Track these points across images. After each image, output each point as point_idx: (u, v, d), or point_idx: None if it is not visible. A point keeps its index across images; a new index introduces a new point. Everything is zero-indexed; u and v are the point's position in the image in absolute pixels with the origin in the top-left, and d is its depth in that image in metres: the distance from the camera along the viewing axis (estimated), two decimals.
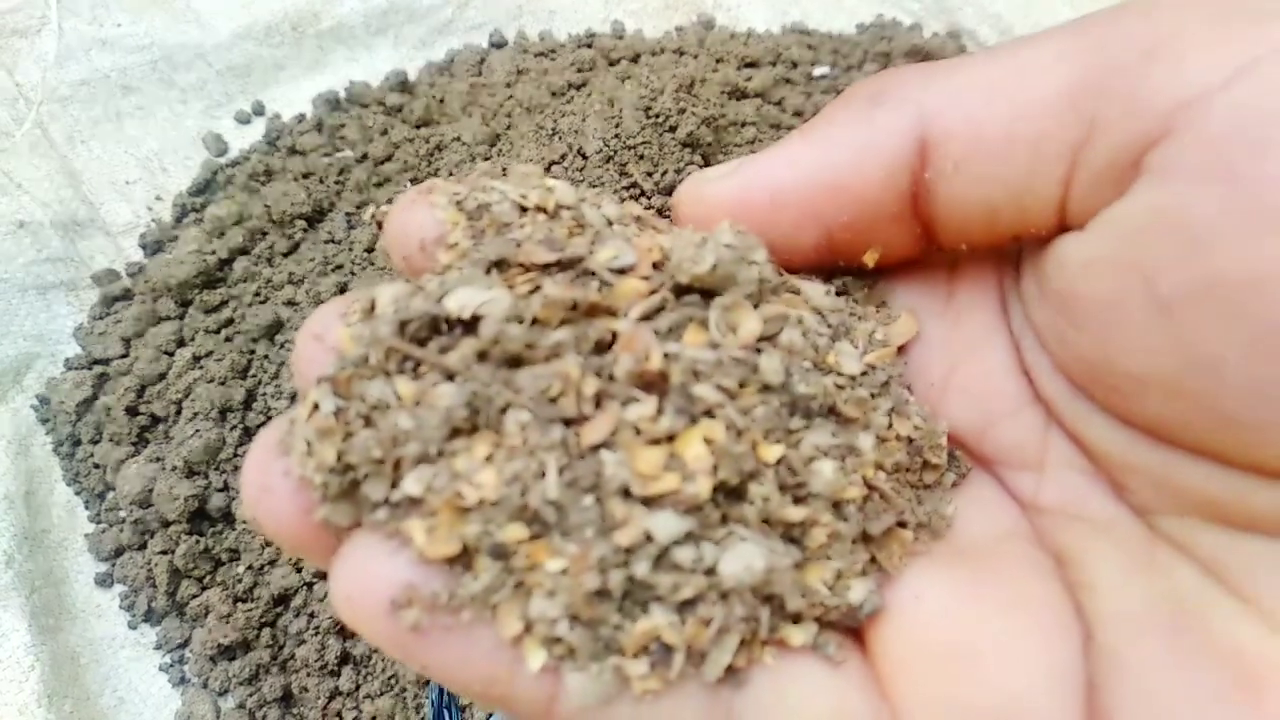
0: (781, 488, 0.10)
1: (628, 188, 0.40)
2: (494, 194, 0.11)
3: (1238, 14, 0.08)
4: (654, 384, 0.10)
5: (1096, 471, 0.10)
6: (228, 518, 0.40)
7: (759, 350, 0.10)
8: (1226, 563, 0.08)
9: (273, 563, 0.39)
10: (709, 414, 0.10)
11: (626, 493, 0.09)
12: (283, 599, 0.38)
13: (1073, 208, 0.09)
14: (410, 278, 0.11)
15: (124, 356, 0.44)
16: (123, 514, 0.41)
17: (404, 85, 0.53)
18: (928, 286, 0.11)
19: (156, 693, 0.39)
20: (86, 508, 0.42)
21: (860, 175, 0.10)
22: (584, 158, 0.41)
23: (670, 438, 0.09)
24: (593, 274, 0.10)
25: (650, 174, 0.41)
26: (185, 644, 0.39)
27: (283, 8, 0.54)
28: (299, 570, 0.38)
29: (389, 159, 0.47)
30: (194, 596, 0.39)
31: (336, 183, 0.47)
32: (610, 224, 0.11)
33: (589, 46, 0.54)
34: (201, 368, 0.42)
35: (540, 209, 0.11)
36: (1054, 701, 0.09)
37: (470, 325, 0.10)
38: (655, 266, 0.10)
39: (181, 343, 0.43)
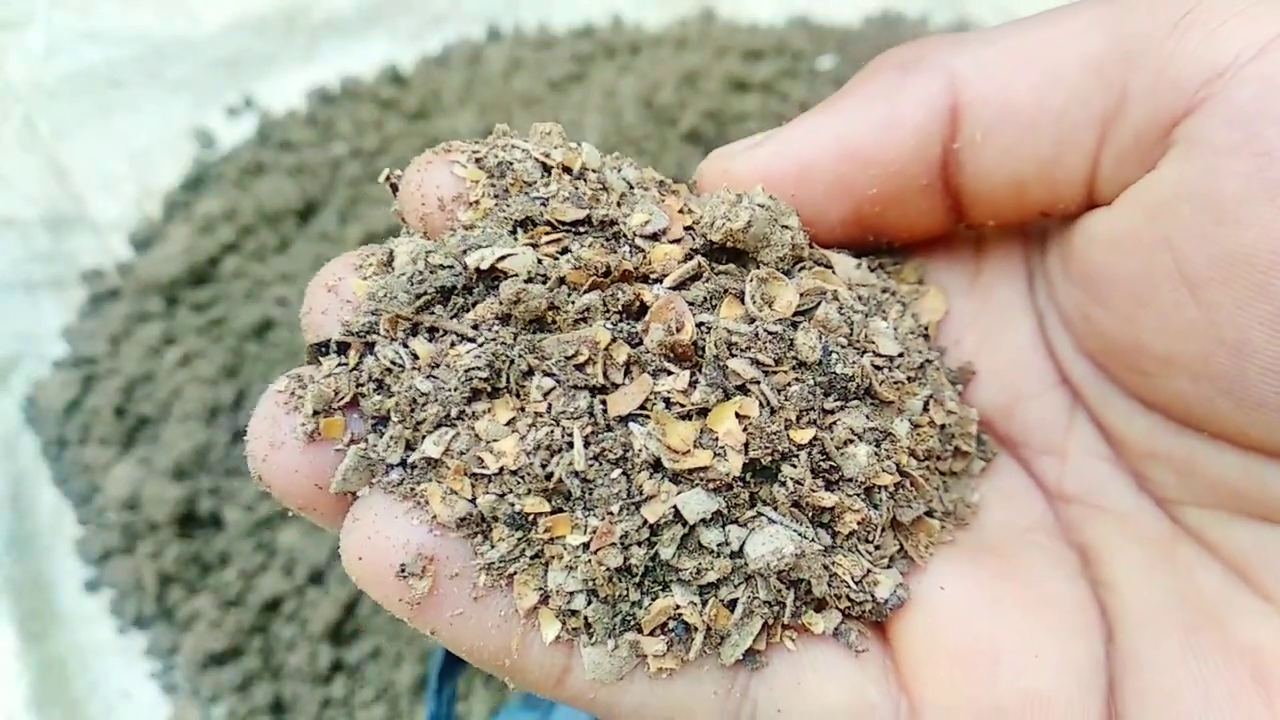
0: (814, 471, 0.09)
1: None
2: (516, 152, 0.11)
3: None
4: (686, 355, 0.09)
5: (1119, 460, 0.10)
6: (217, 521, 0.39)
7: (795, 324, 0.10)
8: (1250, 558, 0.08)
9: (263, 568, 0.38)
10: (743, 390, 0.09)
11: (655, 467, 0.09)
12: (273, 605, 0.38)
13: (1101, 183, 0.09)
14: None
15: (111, 356, 0.43)
16: (111, 517, 0.40)
17: (398, 78, 0.52)
18: (955, 264, 0.11)
19: (146, 700, 0.38)
20: (74, 510, 0.41)
21: (890, 145, 0.10)
22: None
23: (702, 412, 0.09)
24: (623, 237, 0.10)
25: (651, 168, 0.40)
26: (175, 650, 0.39)
27: None
28: (290, 575, 0.38)
29: (382, 153, 0.46)
30: (183, 602, 0.38)
31: (328, 178, 0.46)
32: (631, 188, 0.11)
33: (587, 38, 0.53)
34: (190, 367, 0.41)
35: (565, 168, 0.11)
36: (1074, 702, 0.09)
37: (492, 284, 0.09)
38: (686, 230, 0.10)
39: (170, 342, 0.42)
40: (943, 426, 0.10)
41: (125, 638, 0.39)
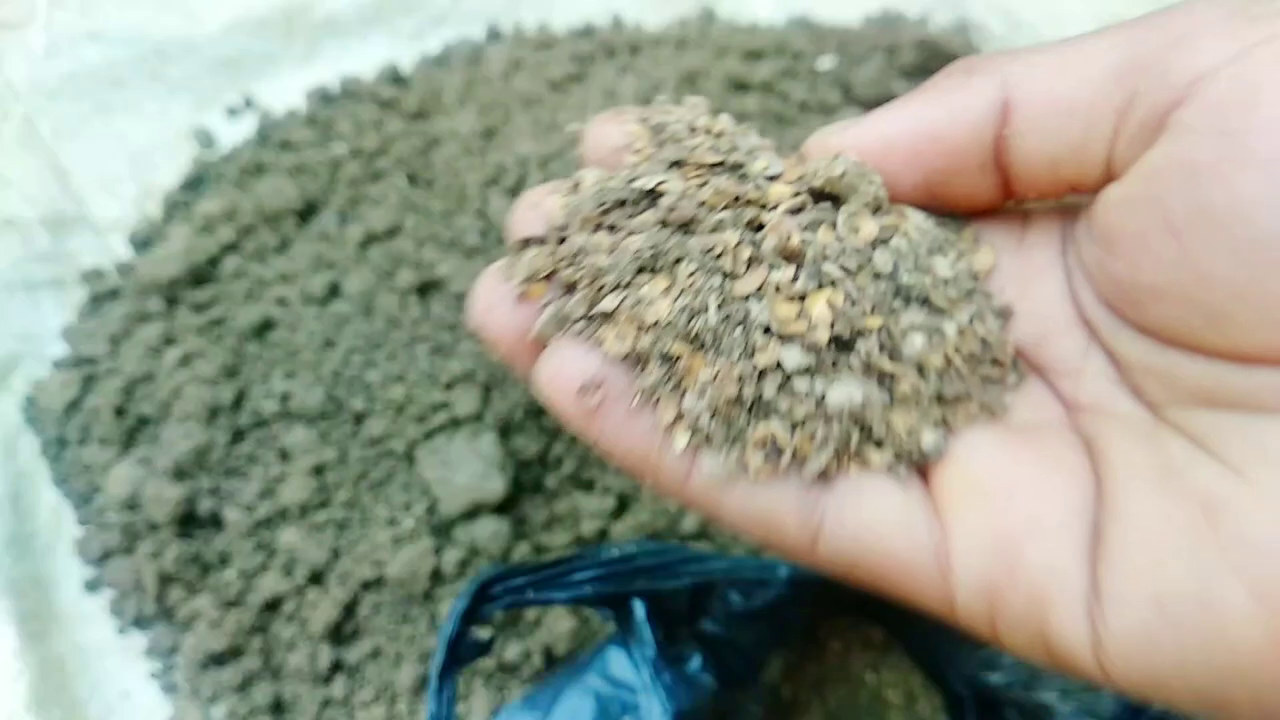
0: (880, 347, 0.13)
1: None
2: (670, 116, 0.15)
3: (1244, 14, 0.11)
4: (792, 258, 0.13)
5: (1121, 378, 0.13)
6: (217, 521, 0.39)
7: (874, 247, 0.14)
8: (1209, 434, 0.11)
9: (263, 568, 0.38)
10: (832, 284, 0.13)
11: (765, 330, 0.13)
12: (273, 605, 0.38)
13: (1115, 161, 0.12)
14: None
15: (111, 356, 0.43)
16: (111, 517, 0.40)
17: (398, 78, 0.52)
18: (1005, 229, 0.14)
19: (146, 700, 0.38)
20: (74, 510, 0.42)
21: (954, 129, 0.13)
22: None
23: (801, 298, 0.13)
24: (748, 177, 0.14)
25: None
26: (175, 650, 0.39)
27: None
28: (290, 575, 0.38)
29: (382, 153, 0.46)
30: (183, 602, 0.38)
31: (328, 178, 0.46)
32: (756, 147, 0.15)
33: (587, 38, 0.53)
34: (190, 368, 0.41)
35: (707, 130, 0.15)
36: (1066, 524, 0.12)
37: (653, 201, 0.14)
38: (797, 180, 0.14)
39: (170, 342, 0.42)
40: (984, 340, 0.14)
41: (125, 638, 0.39)
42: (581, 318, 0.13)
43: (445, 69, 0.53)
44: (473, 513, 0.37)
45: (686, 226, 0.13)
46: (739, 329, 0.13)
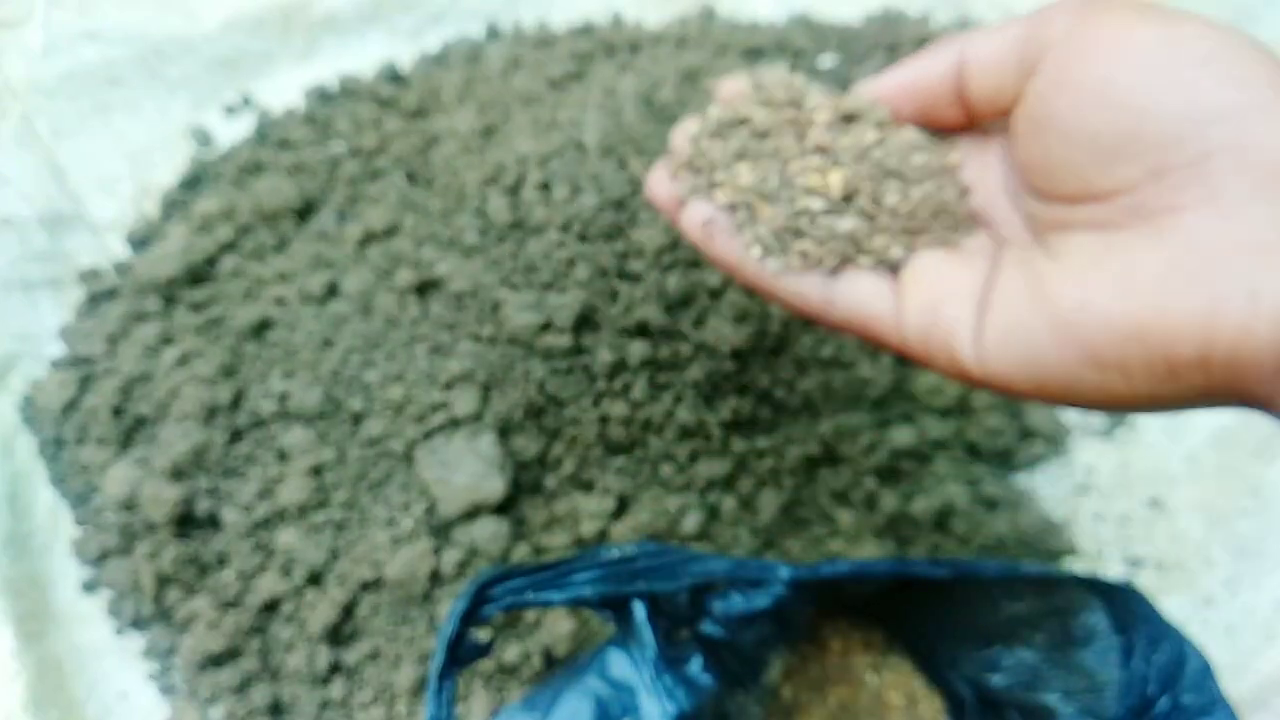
0: (869, 199, 0.21)
1: (628, 181, 0.39)
2: (764, 76, 0.24)
3: (1086, 4, 0.18)
4: (821, 150, 0.22)
5: (1025, 222, 0.20)
6: (215, 522, 0.39)
7: (873, 146, 0.22)
8: (1054, 244, 0.19)
9: (261, 569, 0.38)
10: (842, 165, 0.21)
11: (804, 190, 0.22)
12: (272, 606, 0.38)
13: (1021, 94, 0.19)
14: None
15: (109, 355, 0.43)
16: (109, 517, 0.40)
17: (396, 76, 0.52)
18: (973, 140, 0.22)
19: (144, 701, 0.38)
20: (72, 510, 0.41)
21: (931, 77, 0.21)
22: (582, 150, 0.40)
23: (824, 172, 0.21)
24: (803, 108, 0.23)
25: (651, 167, 0.39)
26: (172, 651, 0.39)
27: None
28: (288, 576, 0.37)
29: (381, 152, 0.46)
30: (181, 603, 0.38)
31: (327, 177, 0.45)
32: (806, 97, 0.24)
33: (587, 36, 0.53)
34: (188, 367, 0.40)
35: (785, 83, 0.23)
36: (967, 295, 0.19)
37: (745, 122, 0.23)
38: (834, 108, 0.23)
39: (168, 341, 0.42)
40: (945, 202, 0.21)
41: (123, 638, 0.39)
42: (704, 185, 0.23)
43: (444, 67, 0.52)
44: (472, 513, 0.37)
45: (763, 135, 0.22)
46: (788, 189, 0.22)
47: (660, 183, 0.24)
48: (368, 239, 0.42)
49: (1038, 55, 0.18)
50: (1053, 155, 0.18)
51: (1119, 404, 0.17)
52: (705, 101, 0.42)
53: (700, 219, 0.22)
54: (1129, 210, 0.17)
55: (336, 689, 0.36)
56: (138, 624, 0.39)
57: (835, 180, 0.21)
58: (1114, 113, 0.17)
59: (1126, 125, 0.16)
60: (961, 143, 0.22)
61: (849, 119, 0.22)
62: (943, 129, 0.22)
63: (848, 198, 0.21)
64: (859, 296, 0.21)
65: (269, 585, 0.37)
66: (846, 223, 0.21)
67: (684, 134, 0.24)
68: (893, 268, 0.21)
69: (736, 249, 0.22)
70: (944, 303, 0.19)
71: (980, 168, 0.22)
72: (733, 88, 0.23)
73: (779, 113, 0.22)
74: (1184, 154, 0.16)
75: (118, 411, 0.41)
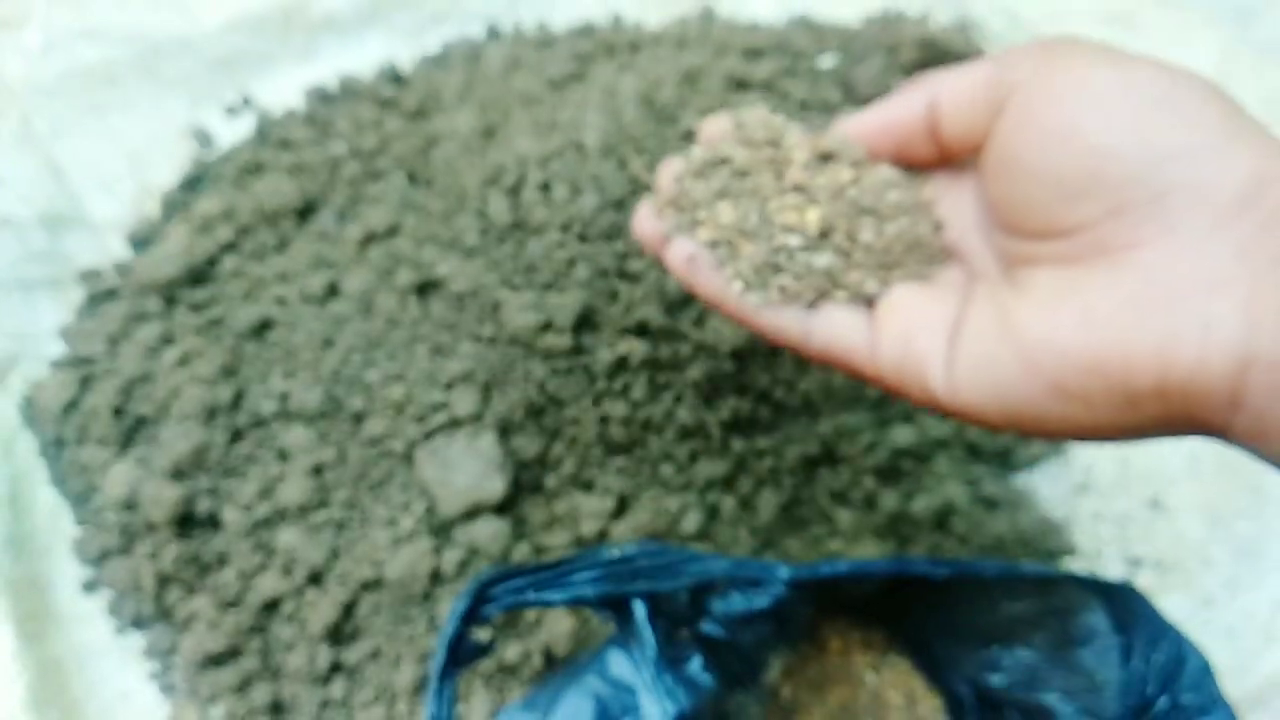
0: (844, 236, 0.22)
1: (628, 182, 0.39)
2: (745, 115, 0.24)
3: (1048, 49, 0.19)
4: (800, 190, 0.23)
5: (995, 256, 0.21)
6: (215, 522, 0.39)
7: (849, 185, 0.23)
8: (1020, 278, 0.20)
9: (262, 568, 0.38)
10: (819, 203, 0.22)
11: (783, 228, 0.22)
12: (272, 605, 0.38)
13: (991, 133, 0.20)
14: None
15: (109, 356, 0.43)
16: (109, 517, 0.40)
17: (397, 77, 0.52)
18: (948, 176, 0.23)
19: (144, 701, 0.38)
20: (72, 510, 0.41)
21: (905, 117, 0.22)
22: (583, 151, 0.40)
23: (802, 210, 0.22)
24: (783, 148, 0.23)
25: (651, 167, 0.39)
26: (173, 651, 0.39)
27: None
28: (289, 575, 0.37)
29: (381, 152, 0.46)
30: (181, 602, 0.38)
31: (327, 177, 0.45)
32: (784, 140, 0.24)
33: (587, 37, 0.53)
34: (188, 367, 0.40)
35: (764, 123, 0.24)
36: (938, 328, 0.20)
37: (727, 162, 0.24)
38: (811, 147, 0.24)
39: (168, 342, 0.42)
40: (919, 237, 0.22)
41: (123, 638, 0.39)
42: (687, 223, 0.24)
43: (444, 68, 0.52)
44: (472, 513, 0.37)
45: (743, 174, 0.23)
46: (767, 226, 0.23)
47: (646, 220, 0.25)
48: (368, 239, 0.42)
49: (1005, 96, 0.19)
50: (1019, 193, 0.19)
51: (1085, 433, 0.18)
52: (704, 104, 0.42)
53: (684, 255, 0.23)
54: (1091, 246, 0.17)
55: (337, 688, 0.37)
56: (138, 624, 0.39)
57: (812, 218, 0.22)
58: (1075, 153, 0.17)
59: (1087, 165, 0.17)
60: (936, 179, 0.23)
61: (826, 158, 0.23)
62: (918, 166, 0.23)
63: (824, 234, 0.22)
64: (836, 329, 0.22)
65: (269, 585, 0.37)
66: (823, 259, 0.22)
67: (668, 173, 0.24)
68: (868, 301, 0.22)
69: (719, 284, 0.23)
70: (916, 335, 0.20)
71: (954, 203, 0.22)
72: (715, 127, 0.24)
73: (758, 152, 0.23)
74: (1142, 192, 0.17)
75: (118, 411, 0.41)
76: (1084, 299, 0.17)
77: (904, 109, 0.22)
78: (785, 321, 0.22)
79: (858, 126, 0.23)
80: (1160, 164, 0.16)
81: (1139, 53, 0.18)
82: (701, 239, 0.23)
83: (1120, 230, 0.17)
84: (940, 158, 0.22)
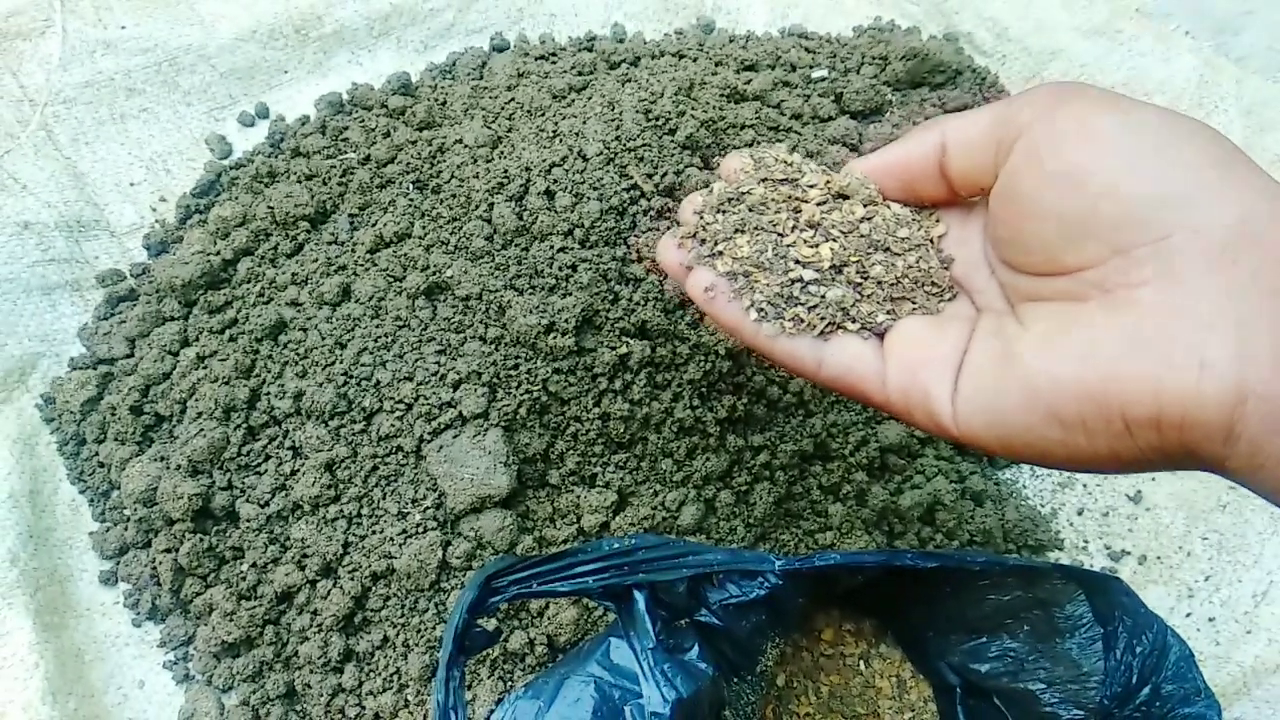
0: (856, 271, 0.24)
1: (628, 189, 0.40)
2: (766, 153, 0.27)
3: (1054, 93, 0.20)
4: (813, 226, 0.25)
5: (1000, 291, 0.23)
6: (231, 516, 0.40)
7: (861, 221, 0.25)
8: (1024, 313, 0.21)
9: (276, 561, 0.39)
10: (833, 239, 0.24)
11: (796, 261, 0.24)
12: (286, 596, 0.39)
13: (997, 174, 0.22)
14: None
15: (129, 356, 0.44)
16: (127, 512, 0.41)
17: (406, 88, 0.53)
18: (956, 213, 0.25)
19: (160, 690, 0.39)
20: (91, 506, 0.43)
21: (915, 158, 0.24)
22: (584, 159, 0.41)
23: (816, 245, 0.24)
24: (799, 185, 0.26)
25: (650, 175, 0.41)
26: (189, 641, 0.40)
27: (285, 10, 0.54)
28: (302, 569, 0.39)
29: (392, 161, 0.47)
30: (198, 594, 0.39)
31: (339, 184, 0.47)
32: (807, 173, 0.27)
33: (589, 50, 0.55)
34: (206, 367, 0.42)
35: (784, 160, 0.26)
36: (945, 360, 0.22)
37: (744, 198, 0.26)
38: (826, 185, 0.26)
39: (186, 343, 0.44)
40: (928, 272, 0.24)
41: (141, 629, 0.40)
42: (708, 254, 0.25)
43: (452, 79, 0.54)
44: (479, 507, 0.38)
45: (761, 210, 0.25)
46: (782, 260, 0.24)
47: (668, 250, 0.26)
48: (379, 244, 0.44)
49: (1012, 138, 0.20)
50: (1024, 232, 0.20)
51: (1083, 463, 0.19)
52: (702, 115, 0.43)
53: (704, 284, 0.25)
54: (1092, 284, 0.19)
55: (348, 676, 0.38)
56: (155, 615, 0.40)
57: (825, 252, 0.24)
58: (1078, 195, 0.18)
59: (1089, 206, 0.18)
60: (946, 216, 0.25)
61: (840, 196, 0.25)
62: (929, 204, 0.25)
63: (837, 268, 0.24)
64: (847, 359, 0.23)
65: (284, 577, 0.38)
66: (836, 291, 0.24)
67: (690, 207, 0.26)
68: (878, 333, 0.24)
69: (735, 313, 0.24)
70: (923, 366, 0.22)
71: (962, 240, 0.24)
72: (735, 164, 0.26)
73: (776, 190, 0.25)
74: (1142, 234, 0.17)
75: (137, 410, 0.42)
76: (1085, 334, 0.18)
77: (914, 149, 0.23)
78: (799, 350, 0.24)
79: (870, 166, 0.24)
80: (1160, 208, 0.17)
81: (1139, 95, 0.21)
82: (720, 270, 0.25)
83: (1122, 269, 0.18)
84: (949, 197, 0.24)
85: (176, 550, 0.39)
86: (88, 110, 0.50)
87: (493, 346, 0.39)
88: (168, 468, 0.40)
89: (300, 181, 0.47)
